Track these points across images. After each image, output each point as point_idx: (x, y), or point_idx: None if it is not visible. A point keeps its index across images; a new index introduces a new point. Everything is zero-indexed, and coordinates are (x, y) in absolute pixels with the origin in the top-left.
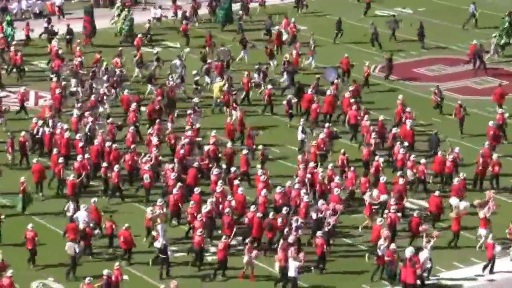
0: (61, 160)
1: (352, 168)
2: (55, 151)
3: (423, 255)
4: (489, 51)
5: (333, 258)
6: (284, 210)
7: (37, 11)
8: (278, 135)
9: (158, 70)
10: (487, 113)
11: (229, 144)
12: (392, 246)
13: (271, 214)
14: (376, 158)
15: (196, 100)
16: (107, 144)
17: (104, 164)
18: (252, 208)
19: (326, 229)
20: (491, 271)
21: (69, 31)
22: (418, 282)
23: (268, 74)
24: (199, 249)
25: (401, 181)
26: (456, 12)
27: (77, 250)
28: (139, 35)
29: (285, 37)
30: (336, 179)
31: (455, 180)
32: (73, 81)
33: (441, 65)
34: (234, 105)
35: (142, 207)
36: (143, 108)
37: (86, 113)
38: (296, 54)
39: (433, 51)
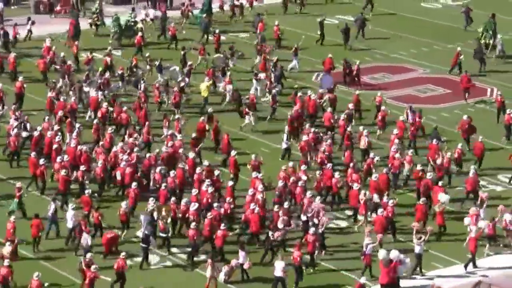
0: (42, 161)
1: (351, 164)
2: (33, 154)
3: (393, 254)
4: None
5: (327, 256)
6: (286, 204)
7: None
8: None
9: (150, 73)
10: (430, 121)
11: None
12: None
13: (276, 207)
14: (371, 155)
15: (210, 110)
16: (79, 147)
17: (82, 168)
18: (252, 206)
19: (320, 230)
20: (474, 266)
21: (5, 34)
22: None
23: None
24: (193, 243)
25: (429, 175)
26: (399, 20)
27: (89, 243)
28: (139, 34)
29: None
30: (336, 174)
31: (471, 173)
32: (61, 82)
33: (384, 73)
34: (247, 110)
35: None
36: None
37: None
38: (263, 58)
39: (377, 59)
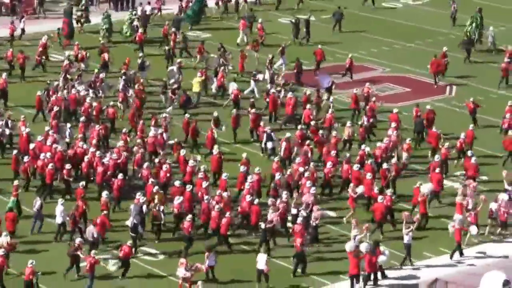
0: (26, 158)
1: (347, 155)
2: (14, 151)
3: (363, 245)
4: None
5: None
6: (284, 194)
7: None
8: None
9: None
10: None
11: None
12: None
13: (277, 203)
14: (362, 147)
15: (215, 114)
16: (53, 146)
17: (68, 166)
18: (248, 198)
19: (314, 224)
20: (461, 255)
21: None
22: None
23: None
24: (188, 236)
25: (436, 158)
26: (360, 19)
27: (95, 235)
28: (140, 30)
29: (240, 39)
30: (328, 164)
31: (473, 160)
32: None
33: (344, 72)
34: (250, 109)
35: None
36: None
37: None
38: (241, 57)
39: (337, 59)
